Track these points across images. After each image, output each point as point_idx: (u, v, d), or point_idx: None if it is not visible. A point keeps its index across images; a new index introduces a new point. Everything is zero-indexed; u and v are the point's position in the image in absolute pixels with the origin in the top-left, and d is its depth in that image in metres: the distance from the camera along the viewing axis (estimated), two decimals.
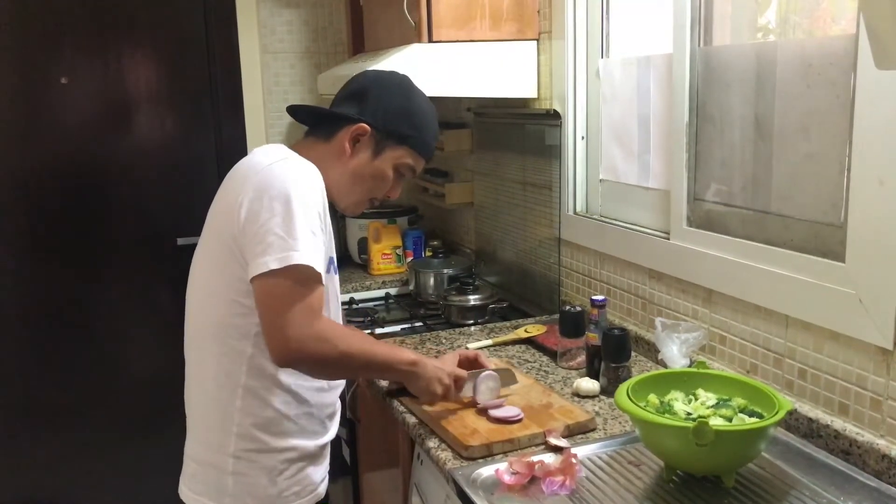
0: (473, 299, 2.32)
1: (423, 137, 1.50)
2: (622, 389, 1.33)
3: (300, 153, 1.43)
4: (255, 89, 2.99)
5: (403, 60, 2.08)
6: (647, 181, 1.94)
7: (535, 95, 2.28)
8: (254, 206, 1.30)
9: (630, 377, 1.54)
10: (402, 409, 1.63)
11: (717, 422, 1.24)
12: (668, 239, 1.80)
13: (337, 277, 1.52)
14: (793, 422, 1.43)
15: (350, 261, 3.01)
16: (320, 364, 1.35)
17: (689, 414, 1.30)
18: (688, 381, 1.40)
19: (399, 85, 1.51)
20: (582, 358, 1.81)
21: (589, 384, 1.67)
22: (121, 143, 2.87)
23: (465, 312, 2.31)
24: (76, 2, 2.75)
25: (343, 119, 1.45)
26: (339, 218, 2.95)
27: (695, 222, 1.75)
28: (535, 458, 1.33)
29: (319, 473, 1.52)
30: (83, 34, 2.78)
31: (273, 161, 1.35)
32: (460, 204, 2.81)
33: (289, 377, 1.41)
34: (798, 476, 1.30)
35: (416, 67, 2.01)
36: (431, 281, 2.57)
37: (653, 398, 1.35)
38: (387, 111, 1.46)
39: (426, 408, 1.56)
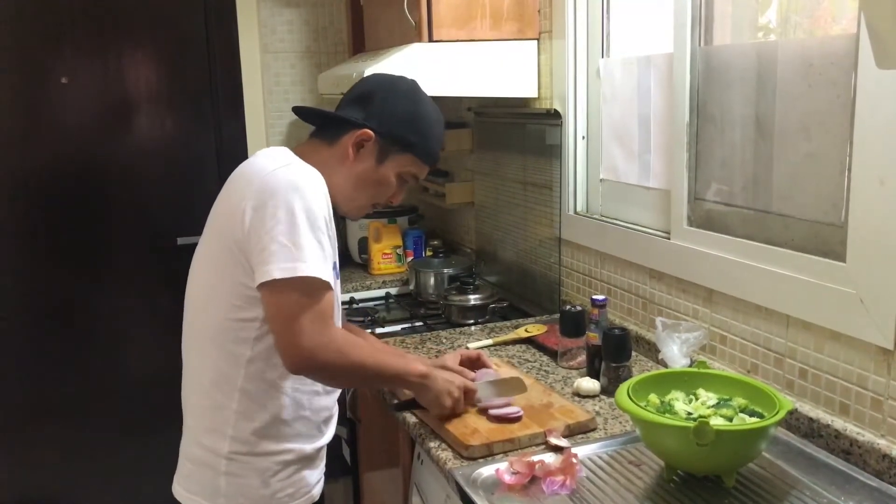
0: (474, 299, 2.32)
1: (427, 145, 1.49)
2: (623, 389, 1.33)
3: (304, 156, 1.42)
4: (255, 89, 2.99)
5: (404, 60, 2.08)
6: (648, 181, 1.94)
7: (535, 95, 2.28)
8: (258, 212, 1.30)
9: (630, 377, 1.54)
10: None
11: (717, 422, 1.24)
12: (669, 239, 1.80)
13: (338, 281, 1.51)
14: (793, 422, 1.43)
15: (350, 260, 3.01)
16: (332, 373, 1.36)
17: (689, 414, 1.30)
18: (688, 381, 1.40)
19: (406, 90, 1.49)
20: (582, 358, 1.81)
21: (589, 384, 1.67)
22: (121, 143, 2.87)
23: (465, 312, 2.31)
24: (76, 1, 2.75)
25: (348, 123, 1.44)
26: (339, 218, 2.94)
27: (695, 222, 1.74)
28: (536, 458, 1.33)
29: (314, 476, 1.52)
30: (83, 34, 2.78)
31: (277, 166, 1.34)
32: (461, 204, 2.81)
33: (285, 381, 1.41)
34: (799, 476, 1.30)
35: (416, 67, 2.01)
36: (432, 280, 2.57)
37: (653, 398, 1.35)
38: (392, 117, 1.44)
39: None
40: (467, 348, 1.95)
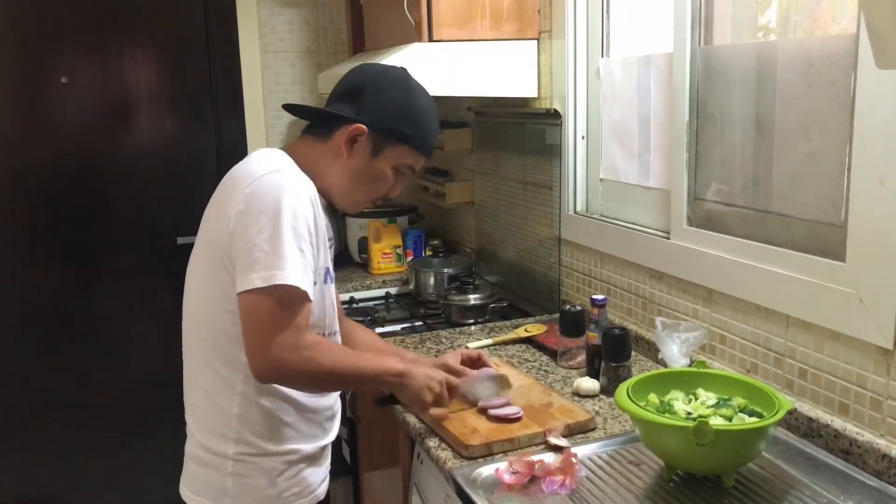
0: (474, 299, 2.32)
1: (422, 136, 1.46)
2: (622, 389, 1.33)
3: (298, 154, 1.42)
4: (255, 89, 2.99)
5: (404, 60, 2.08)
6: (648, 181, 1.94)
7: (535, 95, 2.28)
8: (242, 218, 1.29)
9: (630, 377, 1.54)
10: (401, 408, 1.63)
11: (717, 421, 1.24)
12: (669, 238, 1.80)
13: (333, 286, 1.50)
14: (793, 421, 1.43)
15: (350, 260, 3.01)
16: (304, 382, 1.37)
17: (689, 413, 1.30)
18: (688, 381, 1.40)
19: (397, 81, 1.47)
20: (582, 357, 1.81)
21: (589, 383, 1.67)
22: (121, 143, 2.87)
23: (465, 312, 2.31)
24: (76, 1, 2.75)
25: (340, 118, 1.43)
26: (339, 217, 2.95)
27: (695, 222, 1.74)
28: (535, 458, 1.33)
29: (320, 474, 1.52)
30: (83, 34, 2.78)
31: (266, 172, 1.33)
32: (461, 203, 2.81)
33: None
34: (798, 476, 1.30)
35: (416, 67, 2.00)
36: (431, 280, 2.57)
37: (653, 398, 1.35)
38: (384, 110, 1.42)
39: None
40: (467, 348, 1.96)
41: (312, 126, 1.49)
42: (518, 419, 1.49)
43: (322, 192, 1.44)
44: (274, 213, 1.28)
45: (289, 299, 1.28)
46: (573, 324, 1.82)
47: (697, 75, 1.70)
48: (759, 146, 1.58)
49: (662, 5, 1.79)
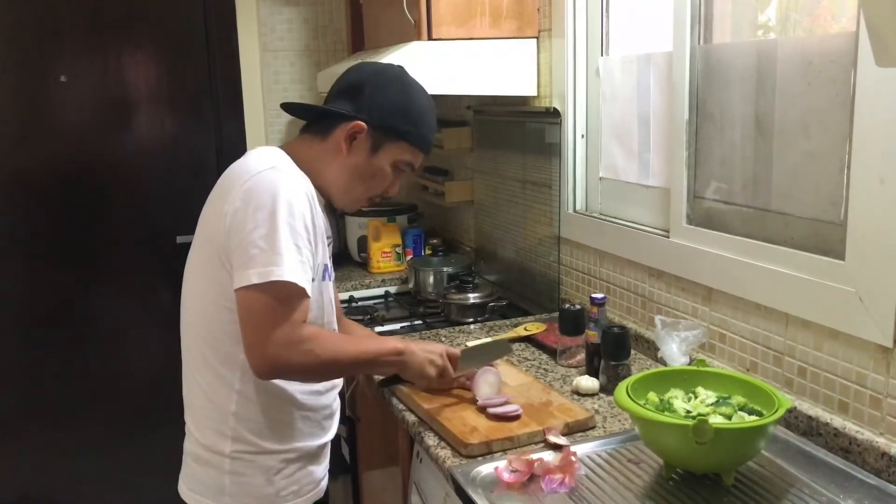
0: (473, 297, 2.32)
1: (420, 132, 1.47)
2: (622, 387, 1.33)
3: (296, 152, 1.42)
4: (254, 87, 2.99)
5: (403, 58, 2.07)
6: (647, 179, 1.94)
7: (534, 93, 2.28)
8: (238, 215, 1.30)
9: (630, 375, 1.54)
10: (401, 406, 1.63)
11: (716, 420, 1.24)
12: (668, 237, 1.80)
13: (332, 284, 1.51)
14: (792, 420, 1.43)
15: (350, 259, 3.01)
16: (305, 373, 1.37)
17: (688, 412, 1.30)
18: (687, 379, 1.40)
19: (395, 79, 1.48)
20: (581, 356, 1.81)
21: (588, 382, 1.67)
22: (120, 142, 2.87)
23: (464, 310, 2.31)
24: (75, 0, 2.75)
25: (339, 116, 1.43)
26: (338, 216, 2.95)
27: (695, 220, 1.74)
28: (535, 456, 1.33)
29: (319, 473, 1.52)
30: (82, 32, 2.78)
31: (262, 169, 1.33)
32: (460, 202, 2.81)
33: (282, 382, 1.41)
34: (798, 474, 1.30)
35: (415, 65, 2.00)
36: (431, 279, 2.57)
37: (652, 396, 1.35)
38: (383, 107, 1.43)
39: (425, 405, 1.56)
40: (466, 347, 1.95)
41: (311, 125, 1.49)
42: (517, 417, 1.49)
43: (321, 190, 1.44)
44: (270, 210, 1.28)
45: (286, 295, 1.28)
46: (573, 322, 1.82)
47: (697, 74, 1.70)
48: (759, 145, 1.57)
49: (662, 4, 1.79)
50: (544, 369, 1.84)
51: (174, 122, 2.93)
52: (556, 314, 1.95)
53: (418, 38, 2.18)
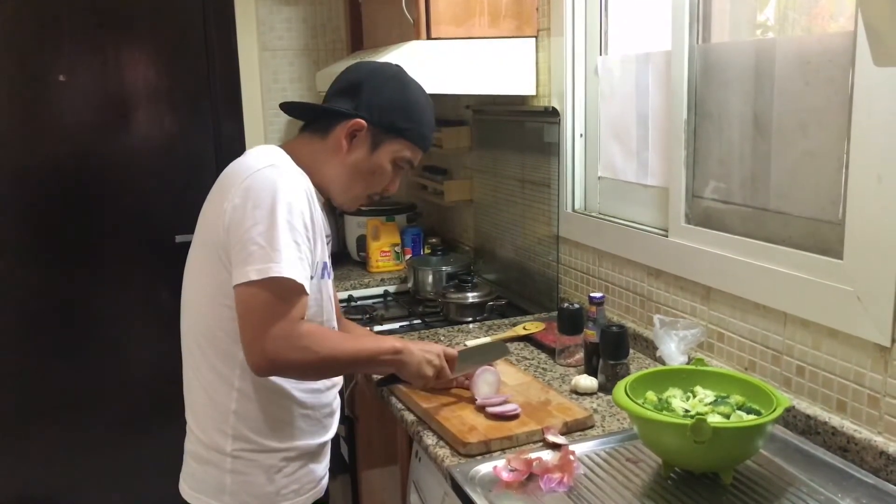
0: (472, 297, 2.32)
1: (419, 130, 1.48)
2: (620, 386, 1.33)
3: (296, 151, 1.42)
4: (253, 86, 2.99)
5: (402, 57, 2.07)
6: (646, 178, 1.94)
7: (533, 93, 2.28)
8: (237, 212, 1.30)
9: (628, 374, 1.54)
10: (400, 406, 1.63)
11: (714, 419, 1.24)
12: (667, 236, 1.80)
13: (331, 281, 1.51)
14: (791, 419, 1.43)
15: (349, 258, 3.01)
16: (302, 371, 1.37)
17: (687, 411, 1.30)
18: (686, 379, 1.40)
19: (393, 77, 1.49)
20: (580, 355, 1.81)
21: (587, 381, 1.67)
22: (119, 141, 2.87)
23: (463, 310, 2.31)
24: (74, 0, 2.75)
25: (339, 115, 1.44)
26: (337, 216, 2.95)
27: (693, 219, 1.74)
28: (533, 455, 1.33)
29: (319, 471, 1.52)
30: (81, 31, 2.78)
31: (261, 166, 1.34)
32: (459, 201, 2.81)
33: (281, 380, 1.41)
34: (796, 473, 1.30)
35: (414, 65, 2.00)
36: (430, 278, 2.57)
37: (651, 395, 1.35)
38: (382, 105, 1.44)
39: (424, 404, 1.56)
40: (465, 346, 1.95)
41: (310, 124, 1.50)
42: (516, 417, 1.49)
43: (320, 189, 1.45)
44: (269, 207, 1.28)
45: (284, 292, 1.28)
46: (571, 322, 1.82)
47: (696, 73, 1.70)
48: (758, 144, 1.58)
49: (661, 3, 1.79)
50: (543, 368, 1.84)
51: (173, 122, 2.93)
52: (555, 313, 1.95)
53: (417, 37, 2.18)
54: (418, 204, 3.09)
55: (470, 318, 2.28)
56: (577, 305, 1.84)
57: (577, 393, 1.66)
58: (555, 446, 1.40)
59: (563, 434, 1.44)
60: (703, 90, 1.70)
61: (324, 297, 1.45)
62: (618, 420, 1.53)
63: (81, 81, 2.79)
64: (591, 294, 1.75)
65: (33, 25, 2.71)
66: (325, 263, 1.45)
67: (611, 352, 1.66)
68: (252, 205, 1.29)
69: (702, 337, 1.59)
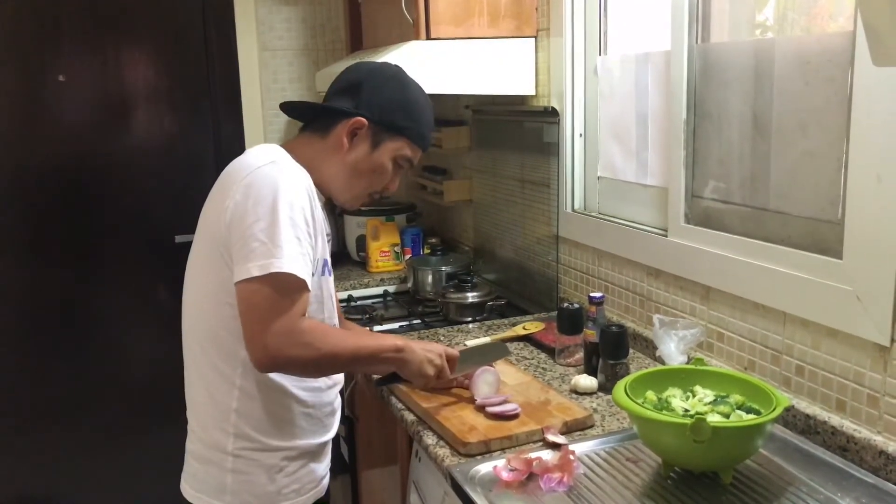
0: (472, 296, 2.32)
1: (419, 128, 1.49)
2: (620, 386, 1.33)
3: (296, 150, 1.43)
4: (253, 86, 2.99)
5: (401, 57, 2.08)
6: (646, 178, 1.94)
7: (533, 93, 2.28)
8: (238, 209, 1.30)
9: (628, 374, 1.54)
10: (400, 406, 1.63)
11: (714, 418, 1.24)
12: (666, 236, 1.80)
13: (332, 279, 1.51)
14: (790, 418, 1.43)
15: (348, 258, 3.01)
16: (303, 367, 1.37)
17: (686, 411, 1.30)
18: (686, 378, 1.40)
19: (393, 77, 1.50)
20: (580, 355, 1.81)
21: (587, 381, 1.67)
22: (119, 141, 2.87)
23: (463, 310, 2.31)
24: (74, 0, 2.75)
25: (339, 113, 1.45)
26: (337, 216, 2.95)
27: (693, 219, 1.75)
28: (533, 455, 1.33)
29: (320, 471, 1.52)
30: (81, 32, 2.78)
31: (262, 164, 1.34)
32: (459, 201, 2.81)
33: (284, 378, 1.41)
34: (795, 472, 1.30)
35: (414, 65, 2.01)
36: (430, 278, 2.57)
37: (651, 395, 1.35)
38: (382, 103, 1.45)
39: (424, 404, 1.56)
40: (465, 346, 1.96)
41: (310, 123, 1.50)
42: (516, 417, 1.49)
43: (321, 188, 1.45)
44: (271, 204, 1.28)
45: (286, 287, 1.28)
46: (571, 321, 1.82)
47: (695, 73, 1.70)
48: (757, 144, 1.58)
49: (660, 3, 1.79)
50: (543, 368, 1.84)
51: (172, 122, 2.93)
52: (555, 313, 1.95)
53: (417, 37, 2.18)
54: (418, 204, 3.09)
55: (470, 318, 2.28)
56: (576, 305, 1.84)
57: (577, 393, 1.66)
58: (555, 446, 1.40)
59: (562, 434, 1.45)
60: (703, 90, 1.70)
61: (324, 294, 1.45)
62: (617, 420, 1.53)
63: (81, 81, 2.79)
64: (591, 294, 1.75)
65: (33, 25, 2.71)
66: (325, 260, 1.45)
67: (610, 351, 1.66)
68: (253, 201, 1.29)
69: (701, 337, 1.60)
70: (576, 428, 1.48)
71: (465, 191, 2.79)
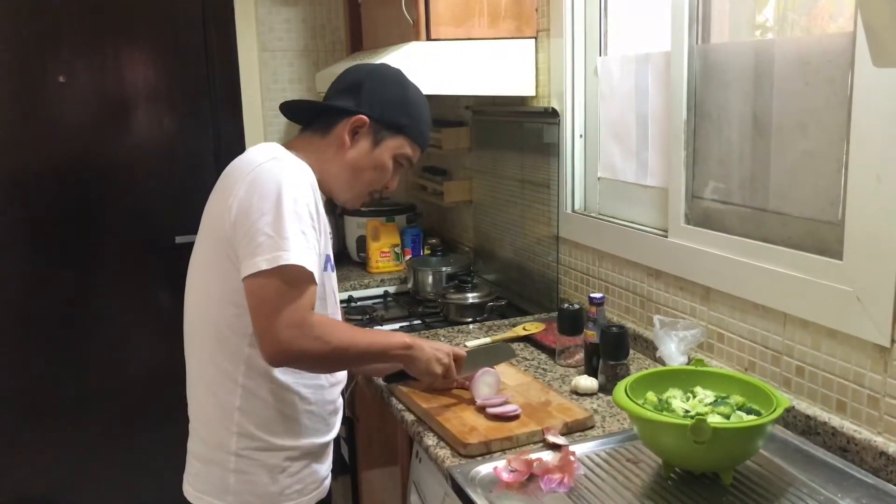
0: (472, 297, 2.32)
1: (419, 127, 1.51)
2: (620, 387, 1.33)
3: (298, 150, 1.43)
4: (253, 87, 2.99)
5: (402, 58, 2.08)
6: (646, 179, 1.94)
7: (533, 93, 2.28)
8: (243, 205, 1.31)
9: (628, 375, 1.54)
10: (400, 406, 1.63)
11: (714, 419, 1.24)
12: (667, 237, 1.80)
13: (334, 275, 1.52)
14: (790, 419, 1.43)
15: (349, 259, 3.01)
16: (314, 361, 1.36)
17: (687, 411, 1.30)
18: (686, 379, 1.40)
19: (393, 77, 1.52)
20: (580, 356, 1.81)
21: (587, 382, 1.67)
22: (119, 142, 2.87)
23: (463, 310, 2.31)
24: (74, 0, 2.75)
25: (340, 112, 1.46)
26: (337, 216, 2.95)
27: (693, 220, 1.75)
28: (534, 456, 1.33)
29: (322, 471, 1.52)
30: (81, 32, 2.78)
31: (264, 160, 1.35)
32: (459, 202, 2.81)
33: (287, 376, 1.41)
34: (796, 473, 1.30)
35: (414, 65, 2.01)
36: (430, 279, 2.57)
37: (651, 396, 1.35)
38: (383, 103, 1.47)
39: (424, 405, 1.56)
40: (465, 346, 1.96)
41: (310, 124, 1.51)
42: (516, 417, 1.49)
43: (321, 187, 1.45)
44: (275, 198, 1.29)
45: (295, 279, 1.28)
46: (571, 322, 1.82)
47: (695, 73, 1.70)
48: (757, 144, 1.58)
49: (660, 3, 1.79)
50: (543, 369, 1.84)
51: (173, 123, 2.93)
52: (555, 314, 1.95)
53: (417, 38, 2.18)
54: (418, 204, 3.09)
55: (470, 319, 2.28)
56: (577, 306, 1.84)
57: (578, 393, 1.66)
58: (555, 447, 1.40)
59: (563, 434, 1.45)
60: (703, 91, 1.70)
61: (327, 290, 1.46)
62: (618, 420, 1.53)
63: (81, 82, 2.79)
64: (591, 294, 1.75)
65: (33, 26, 2.71)
66: (327, 256, 1.46)
67: (611, 352, 1.66)
68: (258, 197, 1.30)
69: (701, 337, 1.60)
70: (576, 429, 1.48)
71: (466, 191, 2.79)
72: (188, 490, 1.48)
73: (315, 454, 1.49)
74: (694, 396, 1.36)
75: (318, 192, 1.40)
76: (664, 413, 1.29)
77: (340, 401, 1.56)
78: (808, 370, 1.43)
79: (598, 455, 1.39)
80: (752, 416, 1.27)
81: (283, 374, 1.41)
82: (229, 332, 1.37)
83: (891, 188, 1.23)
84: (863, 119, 1.27)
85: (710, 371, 1.42)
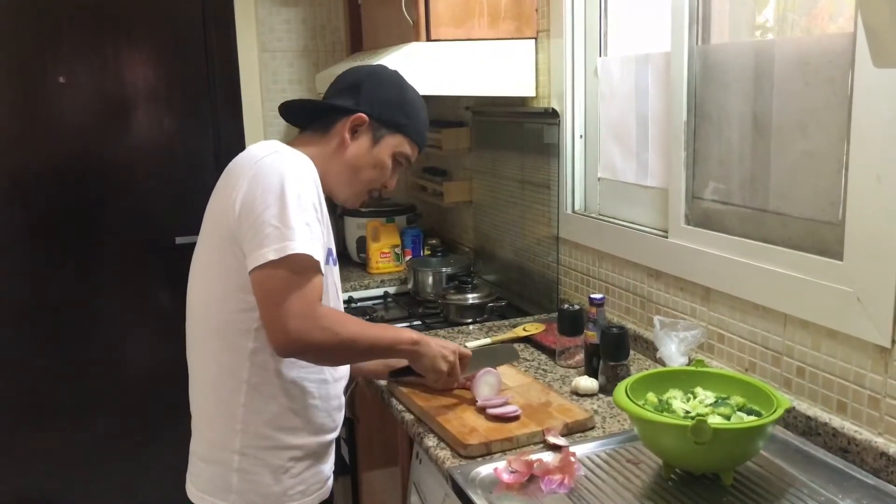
0: (472, 298, 2.32)
1: (417, 126, 1.53)
2: (621, 388, 1.33)
3: (298, 148, 1.43)
4: (253, 88, 2.99)
5: (401, 59, 2.08)
6: (646, 179, 1.94)
7: (533, 94, 2.28)
8: (247, 199, 1.31)
9: (629, 375, 1.54)
10: (400, 407, 1.63)
11: (715, 420, 1.24)
12: (667, 237, 1.80)
13: (336, 269, 1.52)
14: (791, 420, 1.43)
15: (349, 260, 3.01)
16: (322, 352, 1.36)
17: (687, 412, 1.30)
18: (686, 380, 1.40)
19: (391, 78, 1.54)
20: (580, 356, 1.81)
21: (588, 382, 1.67)
22: (119, 143, 2.87)
23: (463, 311, 2.31)
24: (74, 1, 2.75)
25: (340, 111, 1.47)
26: (337, 217, 2.95)
27: (693, 220, 1.75)
28: (534, 457, 1.33)
29: (325, 472, 1.52)
30: (81, 33, 2.78)
31: (265, 154, 1.36)
32: (459, 202, 2.81)
33: (291, 370, 1.41)
34: (796, 474, 1.30)
35: (414, 66, 2.01)
36: (430, 279, 2.57)
37: (651, 396, 1.35)
38: (382, 102, 1.49)
39: (424, 405, 1.56)
40: (465, 347, 1.95)
41: (310, 124, 1.52)
42: (516, 418, 1.49)
43: (321, 185, 1.45)
44: (279, 191, 1.30)
45: (302, 268, 1.29)
46: (571, 323, 1.82)
47: (695, 74, 1.70)
48: (757, 145, 1.58)
49: (660, 4, 1.79)
50: (543, 370, 1.84)
51: (173, 123, 2.93)
52: (555, 314, 1.95)
53: (417, 38, 2.18)
54: (418, 205, 3.09)
55: (470, 320, 2.28)
56: (577, 306, 1.84)
57: (578, 394, 1.66)
58: (555, 448, 1.40)
59: (563, 435, 1.45)
60: (703, 91, 1.70)
61: (329, 283, 1.45)
62: (618, 421, 1.53)
63: (81, 83, 2.79)
64: (592, 295, 1.75)
65: (33, 27, 2.71)
66: (329, 250, 1.46)
67: (611, 353, 1.66)
68: (262, 190, 1.30)
69: (702, 338, 1.60)
70: (576, 429, 1.48)
71: (466, 192, 2.79)
72: (191, 490, 1.48)
73: (318, 454, 1.49)
74: (694, 397, 1.36)
75: (320, 185, 1.41)
76: (664, 414, 1.29)
77: (343, 397, 1.56)
78: (808, 371, 1.43)
79: (598, 456, 1.39)
80: (752, 417, 1.26)
81: (288, 370, 1.41)
82: (233, 329, 1.37)
83: (891, 188, 1.23)
84: (863, 119, 1.27)
85: (711, 372, 1.42)
